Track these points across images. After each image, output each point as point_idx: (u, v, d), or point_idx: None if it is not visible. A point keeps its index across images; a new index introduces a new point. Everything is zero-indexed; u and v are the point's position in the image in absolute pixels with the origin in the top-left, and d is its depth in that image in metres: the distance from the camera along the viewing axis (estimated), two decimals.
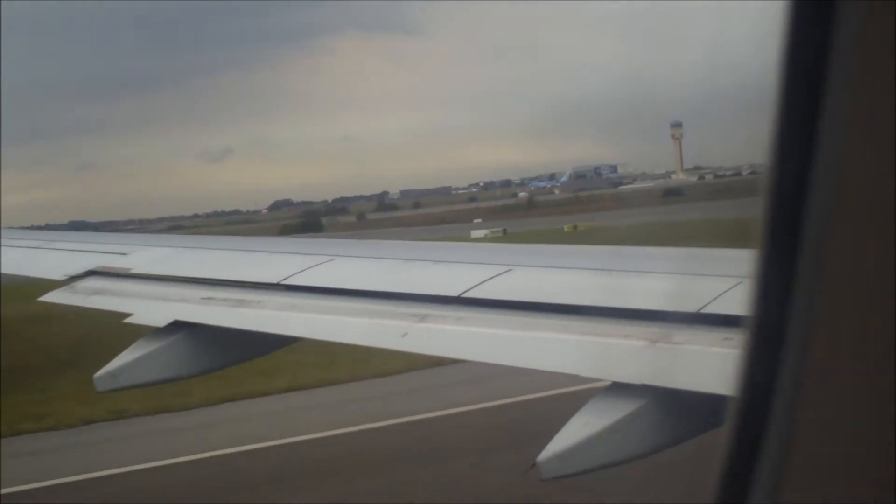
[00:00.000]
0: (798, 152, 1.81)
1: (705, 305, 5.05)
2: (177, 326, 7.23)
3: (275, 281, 7.38)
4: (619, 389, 4.76)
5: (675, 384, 4.64)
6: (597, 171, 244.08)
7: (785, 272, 1.84)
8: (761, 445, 1.92)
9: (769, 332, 1.94)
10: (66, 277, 9.08)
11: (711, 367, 4.68)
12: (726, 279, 5.30)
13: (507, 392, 23.75)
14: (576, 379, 5.08)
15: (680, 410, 4.72)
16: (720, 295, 5.12)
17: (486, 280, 6.26)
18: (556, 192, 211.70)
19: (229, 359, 7.46)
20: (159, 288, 8.24)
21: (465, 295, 6.12)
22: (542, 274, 6.49)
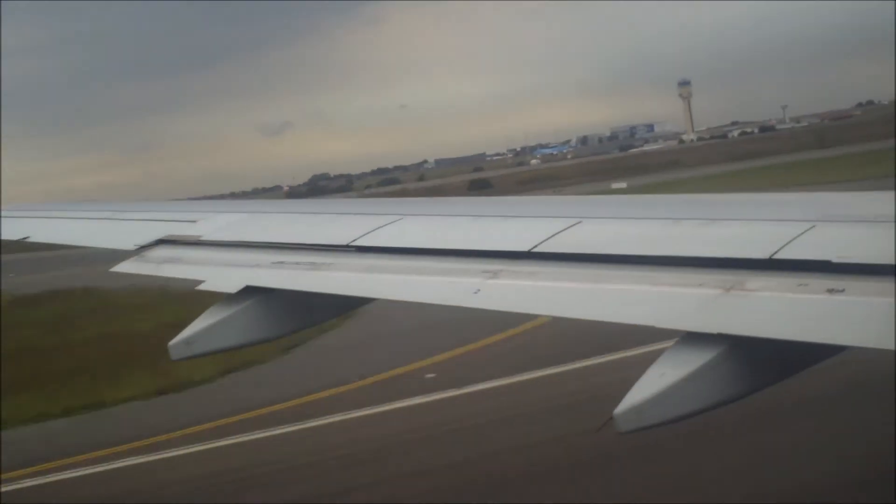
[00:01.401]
0: None
1: (778, 251, 5.02)
2: (249, 292, 7.30)
3: (345, 243, 7.43)
4: (694, 339, 4.75)
5: (751, 332, 4.61)
6: (632, 130, 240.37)
7: None
8: None
9: None
10: (136, 247, 9.19)
11: (787, 313, 4.66)
12: (798, 223, 5.26)
13: None
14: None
15: (756, 358, 4.70)
16: (793, 240, 5.08)
17: (555, 234, 6.26)
18: (569, 157, 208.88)
19: (302, 322, 7.53)
20: (230, 254, 8.32)
21: (535, 250, 6.12)
22: (611, 225, 6.47)
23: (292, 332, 7.55)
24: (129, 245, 9.28)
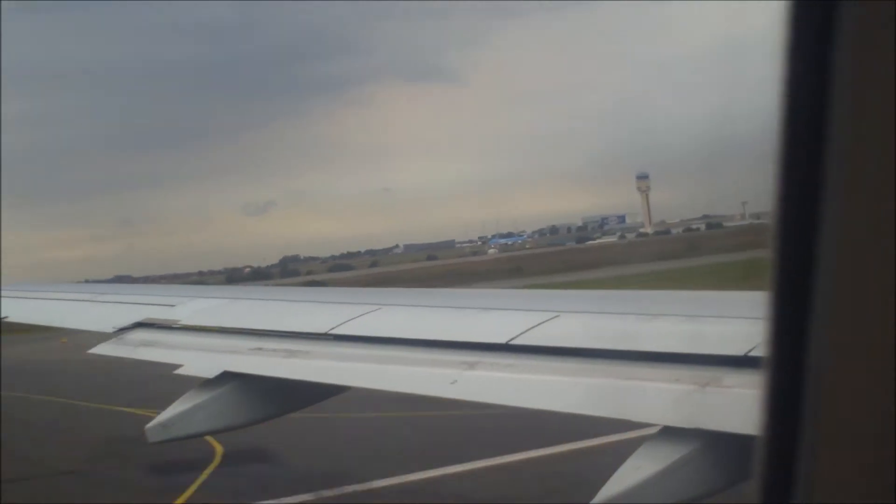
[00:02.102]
0: (805, 170, 1.79)
1: (754, 348, 5.05)
2: (226, 377, 7.29)
3: (323, 331, 7.44)
4: (670, 433, 4.76)
5: (726, 428, 4.63)
6: (603, 221, 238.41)
7: (800, 280, 1.84)
8: (795, 446, 1.92)
9: (790, 337, 1.94)
10: (114, 330, 9.18)
11: None
12: None
13: None
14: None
15: (731, 454, 4.70)
16: None
17: (533, 327, 6.29)
18: (528, 247, 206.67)
19: (280, 408, 7.51)
20: (208, 339, 8.32)
21: (513, 342, 6.15)
22: (588, 319, 6.51)
23: (269, 419, 7.53)
24: (108, 327, 9.27)
